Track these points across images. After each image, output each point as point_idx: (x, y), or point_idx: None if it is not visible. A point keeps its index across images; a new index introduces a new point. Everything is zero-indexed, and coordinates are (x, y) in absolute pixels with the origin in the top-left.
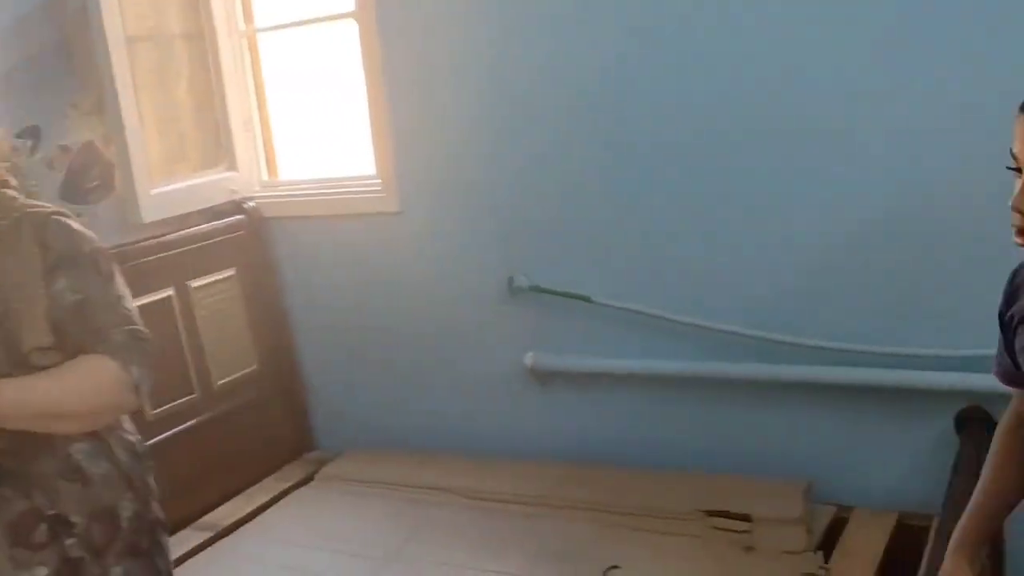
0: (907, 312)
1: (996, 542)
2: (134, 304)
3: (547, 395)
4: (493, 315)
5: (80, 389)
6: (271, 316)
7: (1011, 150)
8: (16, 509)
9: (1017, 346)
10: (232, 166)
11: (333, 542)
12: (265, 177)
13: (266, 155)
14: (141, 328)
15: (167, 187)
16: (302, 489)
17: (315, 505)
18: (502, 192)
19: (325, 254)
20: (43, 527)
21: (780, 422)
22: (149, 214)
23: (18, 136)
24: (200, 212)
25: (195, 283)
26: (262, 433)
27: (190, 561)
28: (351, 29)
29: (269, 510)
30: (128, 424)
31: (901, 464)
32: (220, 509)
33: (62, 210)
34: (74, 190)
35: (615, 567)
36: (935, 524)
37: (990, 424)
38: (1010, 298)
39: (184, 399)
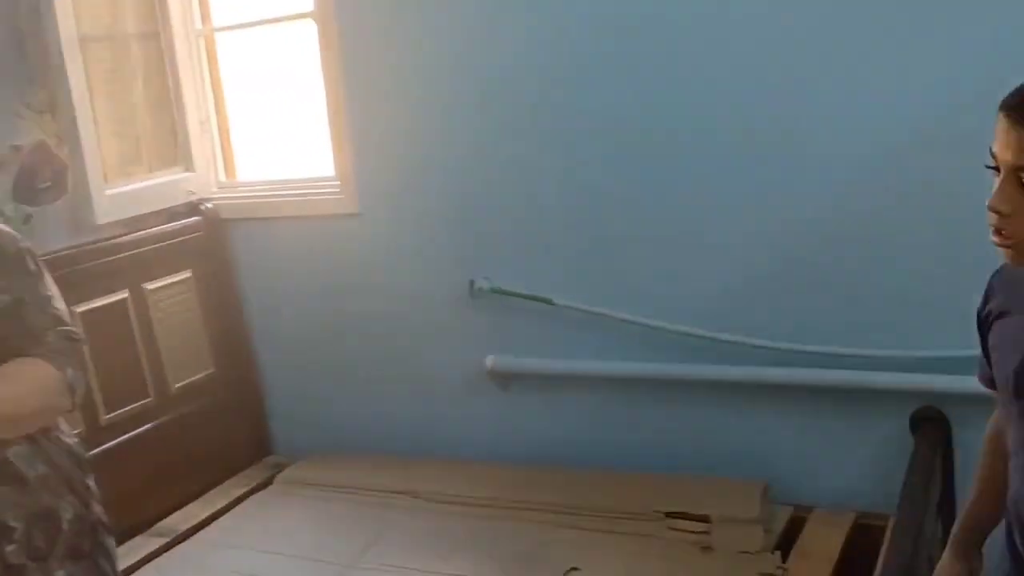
0: (863, 313)
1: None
2: (63, 303)
3: (508, 397)
4: (454, 317)
5: (20, 393)
6: (228, 319)
7: (990, 149)
8: None
9: (990, 343)
10: (189, 167)
11: (291, 547)
12: (222, 178)
13: (223, 156)
14: (73, 328)
15: (122, 188)
16: (260, 494)
17: (273, 510)
18: (462, 194)
19: (283, 256)
20: None
21: (738, 423)
22: (103, 215)
23: None
24: (156, 213)
25: (151, 285)
26: (219, 437)
27: (142, 568)
28: (310, 29)
29: (226, 515)
30: (64, 426)
31: (858, 464)
32: (175, 515)
33: None
34: (26, 191)
35: (575, 569)
36: (891, 524)
37: (945, 424)
38: (986, 299)
39: (139, 403)
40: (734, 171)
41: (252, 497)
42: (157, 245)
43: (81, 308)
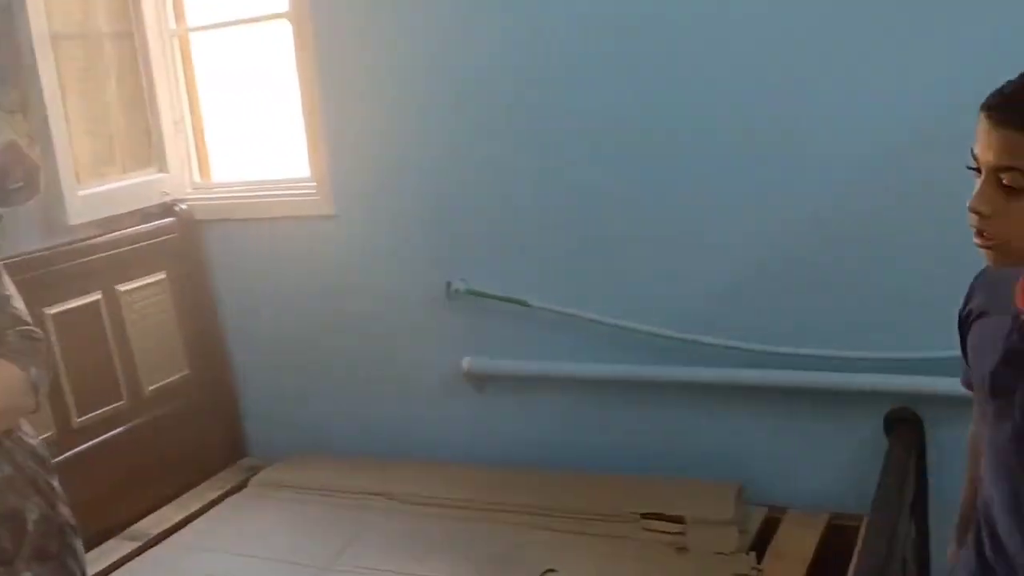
0: (838, 315)
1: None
2: (22, 303)
3: (484, 399)
4: (430, 319)
5: None
6: (203, 320)
7: (972, 150)
8: None
9: (968, 343)
10: (163, 167)
11: (266, 550)
12: (197, 179)
13: (198, 157)
14: (33, 328)
15: (95, 189)
16: (235, 496)
17: (248, 512)
18: (439, 195)
19: (259, 257)
20: None
21: (713, 424)
22: (76, 216)
23: None
24: (130, 214)
25: (124, 287)
26: (194, 440)
27: (114, 573)
28: (285, 29)
29: (200, 518)
30: (27, 427)
31: (832, 465)
32: (149, 518)
33: None
34: None
35: (551, 570)
36: (865, 524)
37: (919, 425)
38: (967, 300)
39: (112, 405)
40: (710, 174)
41: (227, 500)
42: (130, 246)
43: (53, 310)
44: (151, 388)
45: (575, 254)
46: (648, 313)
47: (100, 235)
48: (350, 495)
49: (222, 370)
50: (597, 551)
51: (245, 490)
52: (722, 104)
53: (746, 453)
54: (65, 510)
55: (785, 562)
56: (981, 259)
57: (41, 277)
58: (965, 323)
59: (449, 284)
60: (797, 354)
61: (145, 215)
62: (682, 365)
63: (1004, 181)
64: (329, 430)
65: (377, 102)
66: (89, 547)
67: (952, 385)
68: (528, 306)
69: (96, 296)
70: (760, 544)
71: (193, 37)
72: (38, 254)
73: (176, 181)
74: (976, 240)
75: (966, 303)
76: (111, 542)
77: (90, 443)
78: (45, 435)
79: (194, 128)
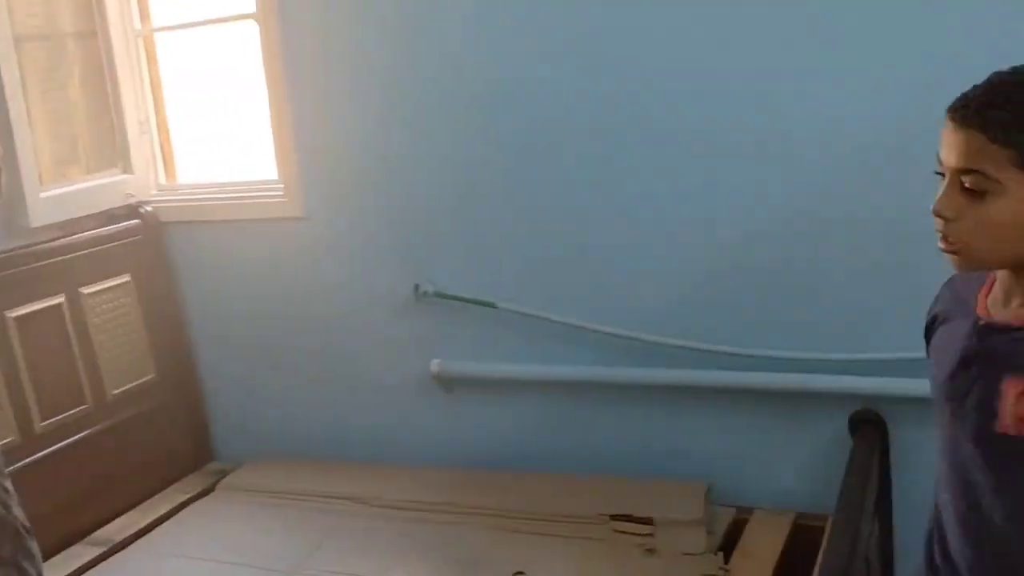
0: (803, 318)
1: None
2: None
3: (453, 401)
4: (398, 322)
5: None
6: (169, 324)
7: (938, 154)
8: None
9: (931, 347)
10: (127, 169)
11: (234, 555)
12: (162, 180)
13: (163, 158)
14: None
15: (58, 190)
16: (202, 501)
17: (215, 517)
18: (407, 198)
19: (226, 260)
20: None
21: (681, 425)
22: (38, 218)
23: None
24: (93, 216)
25: (87, 289)
26: (160, 444)
27: None
28: (252, 29)
29: (166, 523)
30: None
31: (798, 465)
32: (114, 523)
33: None
34: None
35: (521, 573)
36: (829, 523)
37: (882, 426)
38: (934, 305)
39: (75, 410)
40: (677, 178)
41: (193, 504)
42: (94, 249)
43: (15, 313)
44: (115, 392)
45: (543, 257)
46: (616, 315)
47: (63, 237)
48: (318, 499)
49: (188, 373)
50: (566, 553)
51: (212, 494)
52: (691, 109)
53: (713, 454)
54: (20, 512)
55: (752, 562)
56: (946, 263)
57: (2, 280)
58: (930, 328)
59: (417, 287)
60: (763, 356)
61: (109, 217)
62: (650, 367)
63: (966, 184)
64: (297, 433)
65: (345, 103)
66: (53, 552)
67: (914, 386)
68: (496, 308)
69: (59, 299)
70: (727, 544)
71: (158, 37)
72: None
73: (141, 183)
74: (940, 244)
75: (932, 308)
76: (75, 547)
77: (53, 448)
78: (6, 440)
79: (159, 129)
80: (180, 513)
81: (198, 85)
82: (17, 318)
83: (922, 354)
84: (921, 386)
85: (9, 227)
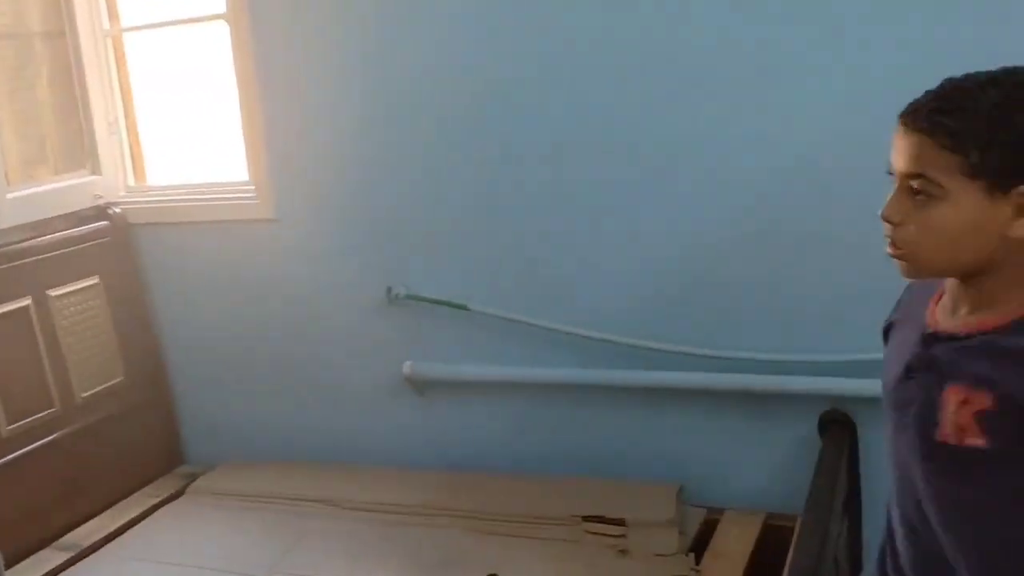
0: (773, 319)
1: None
2: None
3: (425, 404)
4: (370, 324)
5: None
6: (138, 326)
7: (890, 160)
8: None
9: (884, 354)
10: (96, 170)
11: (205, 559)
12: (131, 182)
13: (132, 159)
14: None
15: (25, 191)
16: (172, 504)
17: (186, 521)
18: (379, 200)
19: (196, 262)
20: None
21: (653, 426)
22: (5, 219)
23: None
24: (61, 217)
25: (55, 292)
26: (129, 447)
27: None
28: (222, 30)
29: (136, 527)
30: None
31: (768, 466)
32: (83, 527)
33: None
34: None
35: (493, 574)
36: (798, 523)
37: (851, 426)
38: (893, 310)
39: (43, 413)
40: (648, 180)
41: (163, 508)
42: (62, 251)
43: None
44: (84, 395)
45: (515, 259)
46: (588, 317)
47: (30, 238)
48: (290, 501)
49: (158, 376)
50: (539, 554)
51: (182, 498)
52: (657, 112)
53: (685, 455)
54: None
55: (723, 562)
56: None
57: None
58: (886, 334)
59: (390, 289)
60: (733, 358)
61: (77, 218)
62: (621, 369)
63: (914, 188)
64: (268, 436)
65: (317, 105)
66: (21, 557)
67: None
68: (469, 310)
69: (26, 301)
70: (699, 545)
71: (129, 37)
72: None
73: (110, 184)
74: (887, 249)
75: (891, 314)
76: (44, 552)
77: (21, 451)
78: None
79: (128, 130)
80: (150, 517)
81: (168, 86)
82: None
83: None
84: None
85: None
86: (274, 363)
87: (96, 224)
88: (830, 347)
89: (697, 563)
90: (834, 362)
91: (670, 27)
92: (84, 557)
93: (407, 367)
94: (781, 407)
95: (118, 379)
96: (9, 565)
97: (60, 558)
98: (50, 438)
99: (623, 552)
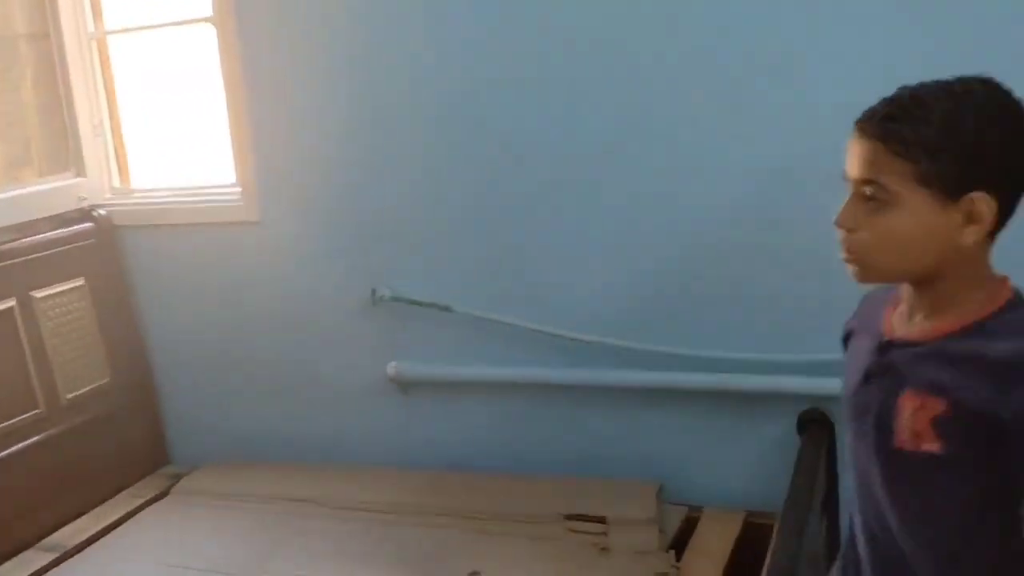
0: (752, 319)
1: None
2: None
3: (410, 404)
4: (355, 325)
5: None
6: (123, 327)
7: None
8: None
9: (845, 360)
10: (81, 172)
11: (189, 559)
12: (116, 184)
13: (117, 161)
14: None
15: (10, 193)
16: (157, 505)
17: (171, 521)
18: (364, 202)
19: (181, 264)
20: None
21: (634, 426)
22: None
23: None
24: (46, 219)
25: (40, 293)
26: (114, 448)
27: None
28: (209, 32)
29: (121, 527)
30: None
31: (748, 464)
32: (67, 528)
33: None
34: None
35: (476, 573)
36: (778, 521)
37: (829, 425)
38: (851, 318)
39: (27, 414)
40: (630, 180)
41: (149, 508)
42: (46, 252)
43: None
44: (69, 396)
45: (498, 260)
46: (570, 318)
47: (15, 240)
48: (275, 502)
49: (143, 377)
50: (521, 552)
51: (167, 498)
52: (637, 114)
53: (665, 454)
54: None
55: (703, 560)
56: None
57: None
58: (845, 342)
59: (374, 291)
60: (714, 358)
61: (62, 220)
62: (603, 369)
63: (867, 194)
64: (253, 436)
65: (303, 108)
66: (5, 558)
67: None
68: (453, 311)
69: (10, 303)
70: (679, 543)
71: (114, 39)
72: None
73: (94, 186)
74: (842, 255)
75: (849, 321)
76: (28, 553)
77: (6, 452)
78: None
79: (113, 132)
80: (135, 517)
81: (153, 87)
82: None
83: None
84: None
85: None
86: (259, 364)
87: (81, 226)
88: (809, 347)
89: (677, 561)
90: (813, 362)
91: (648, 31)
92: (69, 557)
93: (392, 368)
94: (760, 406)
95: (103, 380)
96: None
97: (45, 559)
98: (35, 439)
99: (604, 550)
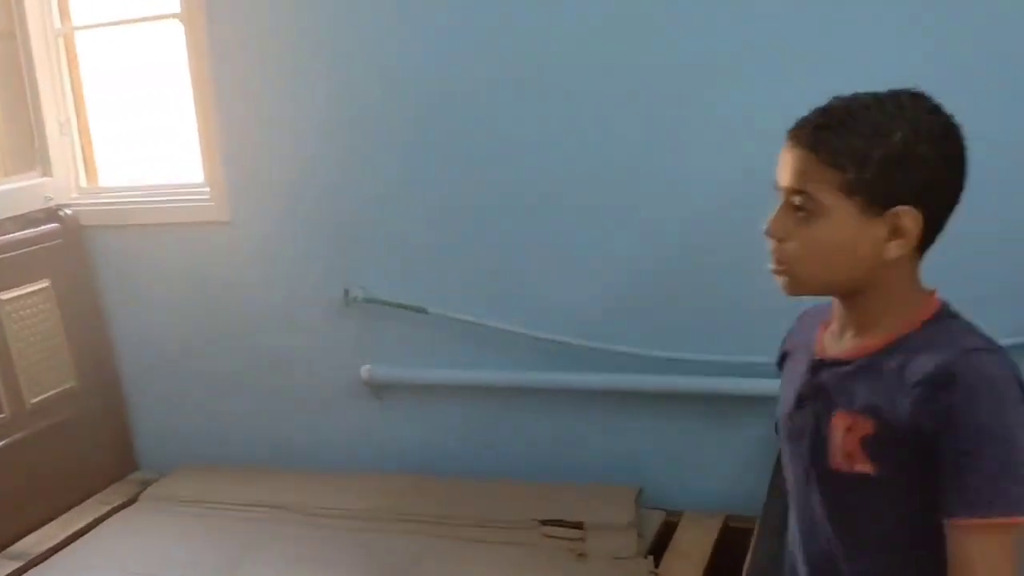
0: (730, 321)
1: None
2: None
3: (383, 407)
4: (328, 327)
5: None
6: (90, 330)
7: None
8: None
9: (780, 383)
10: (47, 171)
11: (159, 566)
12: (83, 183)
13: (84, 160)
14: None
15: None
16: (125, 511)
17: (139, 528)
18: (336, 202)
19: (149, 265)
20: None
21: (612, 429)
22: None
23: None
24: (11, 219)
25: (5, 295)
26: (81, 453)
27: None
28: (176, 29)
29: (88, 535)
30: None
31: (727, 467)
32: (33, 535)
33: None
34: None
35: None
36: (756, 525)
37: None
38: (785, 339)
39: None
40: (605, 183)
41: (116, 515)
42: (11, 253)
43: None
44: (34, 400)
45: (473, 262)
46: (546, 320)
47: None
48: (245, 507)
49: (110, 381)
50: (498, 558)
51: (135, 504)
52: (615, 118)
53: (643, 457)
54: None
55: (683, 564)
56: None
57: None
58: (780, 364)
59: (347, 291)
60: (692, 360)
61: (28, 220)
62: (580, 372)
63: (796, 204)
64: (223, 441)
65: (273, 106)
66: None
67: None
68: (427, 313)
69: None
70: (658, 547)
71: (80, 37)
72: None
73: (61, 185)
74: (771, 266)
75: (783, 343)
76: None
77: None
78: None
79: (80, 131)
80: (102, 524)
81: (121, 86)
82: None
83: None
84: None
85: None
86: (230, 367)
87: (47, 226)
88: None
89: (656, 565)
90: None
91: (631, 31)
92: (35, 565)
93: (365, 371)
94: (739, 409)
95: (69, 384)
96: None
97: (10, 567)
98: None
99: (582, 555)
